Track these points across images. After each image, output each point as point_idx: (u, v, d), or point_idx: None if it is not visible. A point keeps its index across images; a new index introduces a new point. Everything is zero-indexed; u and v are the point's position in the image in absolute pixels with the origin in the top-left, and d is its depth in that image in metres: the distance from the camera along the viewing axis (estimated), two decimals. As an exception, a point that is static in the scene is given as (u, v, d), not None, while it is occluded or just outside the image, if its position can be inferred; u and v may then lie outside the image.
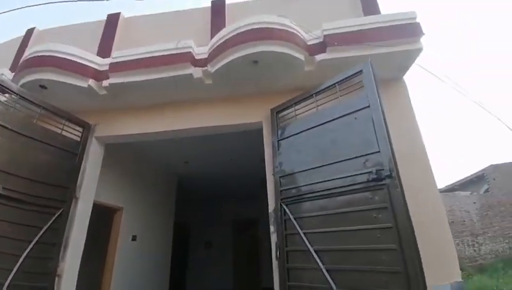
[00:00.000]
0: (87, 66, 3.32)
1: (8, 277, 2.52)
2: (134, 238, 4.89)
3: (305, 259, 2.52)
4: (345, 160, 2.55)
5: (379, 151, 2.40)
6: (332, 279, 2.28)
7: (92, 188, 3.60)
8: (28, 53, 3.33)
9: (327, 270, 2.33)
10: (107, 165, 3.97)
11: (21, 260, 2.65)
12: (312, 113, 3.00)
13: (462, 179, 13.44)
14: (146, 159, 5.63)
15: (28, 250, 2.72)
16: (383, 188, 2.27)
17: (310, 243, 2.53)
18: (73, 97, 3.50)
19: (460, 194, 11.16)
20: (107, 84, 3.31)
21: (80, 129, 3.53)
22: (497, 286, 5.97)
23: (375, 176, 2.32)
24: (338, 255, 2.36)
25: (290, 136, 3.08)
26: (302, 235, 2.60)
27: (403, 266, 1.99)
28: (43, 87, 3.28)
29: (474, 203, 10.42)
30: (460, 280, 2.56)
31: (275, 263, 2.79)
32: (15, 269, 2.58)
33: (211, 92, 3.55)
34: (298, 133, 3.02)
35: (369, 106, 2.56)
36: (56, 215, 3.01)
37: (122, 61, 3.30)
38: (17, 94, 2.95)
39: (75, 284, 3.21)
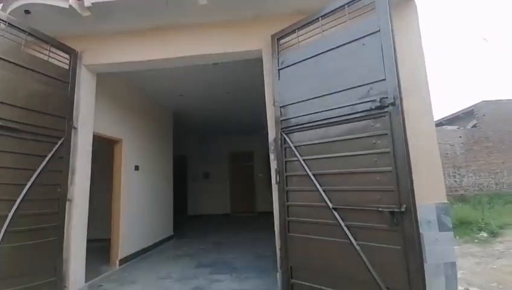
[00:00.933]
0: (64, -20, 2.90)
1: (13, 207, 2.61)
2: (136, 168, 5.09)
3: (304, 182, 2.72)
4: (349, 89, 2.53)
5: (384, 80, 2.36)
6: (328, 198, 2.50)
7: (89, 118, 3.56)
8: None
9: (324, 191, 2.55)
10: (103, 98, 3.86)
11: (26, 188, 2.73)
12: (317, 39, 2.83)
13: (452, 114, 13.74)
14: (140, 91, 5.46)
15: (34, 177, 2.81)
16: (385, 115, 2.31)
17: (308, 168, 2.69)
18: (57, 22, 3.17)
19: (447, 128, 11.56)
20: (90, 4, 2.95)
21: (67, 56, 3.29)
22: (483, 219, 6.29)
23: (379, 104, 2.33)
24: (334, 178, 2.54)
25: (292, 64, 2.95)
26: (302, 161, 2.74)
27: (395, 186, 2.18)
28: (27, 12, 2.94)
29: (460, 137, 10.87)
30: (445, 201, 2.84)
31: (274, 186, 3.00)
32: (20, 198, 2.67)
33: (205, 15, 3.24)
34: (301, 61, 2.89)
35: (379, 31, 2.42)
36: (58, 144, 3.04)
37: (103, -26, 2.88)
38: (5, 22, 2.68)
39: (87, 209, 3.45)
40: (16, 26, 2.79)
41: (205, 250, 5.33)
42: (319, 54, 2.77)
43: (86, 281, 3.44)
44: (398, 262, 2.12)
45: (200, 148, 11.02)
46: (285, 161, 2.91)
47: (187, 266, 4.35)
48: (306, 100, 2.81)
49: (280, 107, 3.00)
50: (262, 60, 3.33)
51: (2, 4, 3.08)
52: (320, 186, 2.58)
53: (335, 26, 2.73)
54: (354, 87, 2.49)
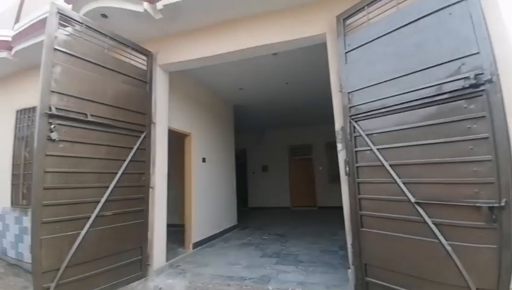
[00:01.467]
0: (140, -13, 3.20)
1: (106, 192, 2.98)
2: (204, 160, 5.43)
3: (378, 173, 2.50)
4: (433, 66, 2.21)
5: (478, 53, 2.02)
6: (410, 191, 2.24)
7: (165, 113, 3.92)
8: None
9: (404, 183, 2.29)
10: (174, 95, 4.19)
11: (118, 175, 3.14)
12: (390, 14, 2.54)
13: None
14: (205, 87, 5.79)
15: (124, 166, 3.22)
16: (482, 94, 1.97)
17: (384, 158, 2.45)
18: (132, 25, 3.52)
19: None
20: (161, 6, 3.20)
21: (144, 58, 3.66)
22: None
23: (473, 82, 1.98)
24: (417, 169, 2.26)
25: (361, 45, 2.72)
26: (375, 150, 2.52)
27: (496, 177, 1.85)
28: (104, 16, 3.33)
29: None
30: None
31: (344, 178, 2.84)
32: (112, 185, 3.04)
33: (266, 3, 3.22)
34: (371, 40, 2.64)
35: None
36: (141, 138, 3.42)
37: (173, -23, 3.09)
38: (82, 24, 2.96)
39: (166, 194, 3.82)
40: (98, 31, 3.11)
41: (269, 241, 5.42)
42: (393, 31, 2.49)
43: (166, 261, 3.83)
44: (491, 262, 1.84)
45: (258, 141, 11.21)
46: (355, 151, 2.72)
47: (253, 254, 4.48)
48: (378, 83, 2.56)
49: (348, 93, 2.80)
50: (325, 45, 3.16)
51: (71, 5, 3.40)
52: (399, 177, 2.33)
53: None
54: (440, 64, 2.18)
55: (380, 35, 2.57)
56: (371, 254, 2.55)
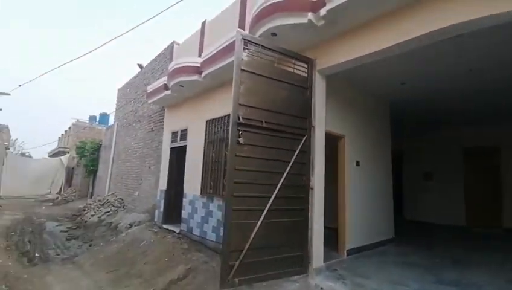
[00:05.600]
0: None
1: (275, 190, 3.33)
2: (357, 163, 5.15)
3: None
4: None
5: None
6: None
7: (322, 117, 3.99)
8: (256, 7, 3.84)
9: None
10: (329, 97, 4.19)
11: (284, 175, 3.44)
12: None
13: None
14: (358, 86, 5.47)
15: (288, 167, 3.50)
16: None
17: None
18: (295, 36, 3.78)
19: None
20: (325, 12, 3.25)
21: (305, 65, 3.86)
22: None
23: None
24: None
25: None
26: None
27: None
28: (273, 35, 3.75)
29: None
30: None
31: None
32: (279, 184, 3.38)
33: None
34: None
35: None
36: (303, 141, 3.64)
37: (336, -21, 3.08)
38: (259, 45, 3.52)
39: (323, 195, 3.87)
40: (270, 48, 3.55)
41: (441, 265, 4.44)
42: None
43: (323, 262, 3.87)
44: None
45: (419, 142, 9.52)
46: None
47: (424, 278, 3.78)
48: None
49: None
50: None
51: (248, 30, 3.94)
52: None
53: None
54: None
55: None
56: None
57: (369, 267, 4.19)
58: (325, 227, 3.72)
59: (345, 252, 4.59)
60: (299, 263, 3.56)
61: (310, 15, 3.39)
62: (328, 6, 3.17)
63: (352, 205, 4.86)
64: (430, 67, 4.56)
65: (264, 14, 3.66)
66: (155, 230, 6.67)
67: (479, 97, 5.78)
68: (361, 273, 3.88)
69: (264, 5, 3.64)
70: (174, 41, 8.34)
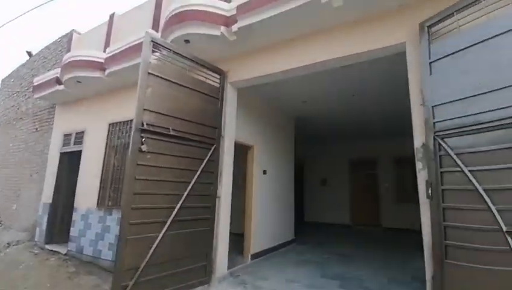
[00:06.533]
0: (218, 14, 3.49)
1: (180, 200, 3.24)
2: (264, 172, 5.52)
3: (471, 199, 2.19)
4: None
5: None
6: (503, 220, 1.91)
7: (232, 127, 4.13)
8: (170, 11, 3.73)
9: (498, 211, 1.96)
10: (239, 108, 4.38)
11: (191, 184, 3.38)
12: (487, 20, 2.26)
13: None
14: (269, 102, 5.93)
15: (196, 176, 3.46)
16: None
17: (478, 181, 2.14)
18: (208, 47, 3.83)
19: None
20: (236, 29, 3.42)
21: (218, 76, 3.94)
22: None
23: None
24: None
25: (450, 54, 2.46)
26: (467, 172, 2.21)
27: None
28: (187, 41, 3.70)
29: None
30: None
31: (424, 201, 2.55)
32: (186, 193, 3.30)
33: (339, 17, 3.17)
34: (463, 49, 2.37)
35: None
36: (212, 150, 3.66)
37: (247, 2, 3.29)
38: (170, 50, 3.41)
39: (230, 204, 3.97)
40: (182, 55, 3.50)
41: (330, 260, 5.15)
42: (491, 38, 2.20)
43: (227, 269, 3.94)
44: None
45: (318, 153, 10.94)
46: (441, 172, 2.43)
47: (313, 274, 4.31)
48: (471, 96, 2.28)
49: (432, 106, 2.54)
50: (398, 56, 2.95)
51: (159, 34, 3.80)
52: (494, 204, 2.02)
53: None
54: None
55: (475, 42, 2.29)
56: (457, 289, 2.20)
57: (270, 269, 4.50)
58: (234, 233, 3.84)
59: (250, 256, 4.81)
60: (203, 274, 3.52)
61: (223, 29, 3.50)
62: (239, 24, 3.35)
63: (258, 211, 5.16)
64: (324, 90, 5.33)
65: (176, 20, 3.58)
66: (36, 251, 5.50)
67: (360, 117, 7.07)
68: (262, 275, 4.13)
69: (177, 11, 3.57)
70: (73, 30, 7.19)
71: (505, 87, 2.10)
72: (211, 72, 3.85)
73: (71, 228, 5.42)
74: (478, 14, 2.33)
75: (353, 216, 9.91)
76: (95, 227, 5.03)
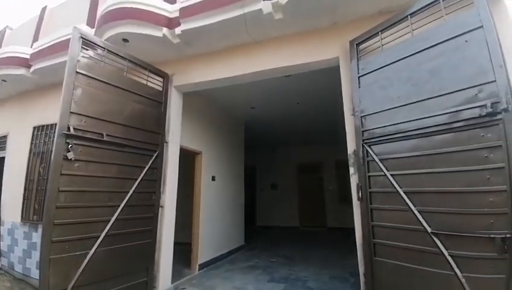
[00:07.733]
0: (159, 14, 3.35)
1: (116, 211, 2.95)
2: (213, 178, 5.43)
3: (392, 200, 2.44)
4: (450, 93, 2.20)
5: (495, 81, 2.02)
6: (425, 221, 2.17)
7: (177, 133, 3.97)
8: (105, 7, 3.46)
9: (419, 212, 2.22)
10: (186, 113, 4.25)
11: (129, 194, 3.11)
12: (405, 40, 2.57)
13: None
14: (217, 107, 5.88)
15: (135, 185, 3.22)
16: (498, 123, 1.95)
17: (398, 184, 2.40)
18: (151, 48, 3.65)
19: None
20: (180, 32, 3.32)
21: (161, 79, 3.76)
22: None
23: (490, 110, 1.96)
24: (432, 198, 2.20)
25: (375, 70, 2.73)
26: (389, 176, 2.46)
27: (509, 208, 1.82)
28: (125, 40, 3.46)
29: None
30: None
31: (356, 203, 2.77)
32: (123, 204, 3.03)
33: (280, 29, 3.31)
34: (385, 66, 2.65)
35: (482, 26, 2.11)
36: (154, 157, 3.46)
37: (190, 5, 3.22)
38: (104, 48, 3.11)
39: (175, 214, 3.79)
40: (118, 55, 3.22)
41: (277, 264, 5.26)
42: (408, 56, 2.50)
43: (171, 283, 3.74)
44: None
45: (268, 158, 11.18)
46: (369, 176, 2.67)
47: (260, 279, 4.35)
48: (393, 108, 2.55)
49: (361, 116, 2.79)
50: (337, 68, 3.20)
51: (94, 30, 3.53)
52: (414, 206, 2.26)
53: (425, 24, 2.46)
54: (458, 91, 2.15)
55: (395, 60, 2.58)
56: (385, 285, 2.43)
57: (217, 278, 4.42)
58: (182, 243, 3.64)
59: (197, 267, 4.65)
60: (144, 290, 3.29)
61: (165, 30, 3.37)
62: (182, 28, 3.27)
63: (206, 219, 5.04)
64: (271, 97, 5.50)
65: (113, 17, 3.34)
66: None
67: (306, 123, 7.45)
68: (209, 286, 4.02)
69: (114, 7, 3.33)
70: (7, 26, 6.31)
71: (420, 100, 2.37)
72: (153, 75, 3.65)
73: (1, 242, 4.77)
74: (400, 33, 2.62)
75: (301, 218, 10.33)
76: (21, 243, 4.45)
